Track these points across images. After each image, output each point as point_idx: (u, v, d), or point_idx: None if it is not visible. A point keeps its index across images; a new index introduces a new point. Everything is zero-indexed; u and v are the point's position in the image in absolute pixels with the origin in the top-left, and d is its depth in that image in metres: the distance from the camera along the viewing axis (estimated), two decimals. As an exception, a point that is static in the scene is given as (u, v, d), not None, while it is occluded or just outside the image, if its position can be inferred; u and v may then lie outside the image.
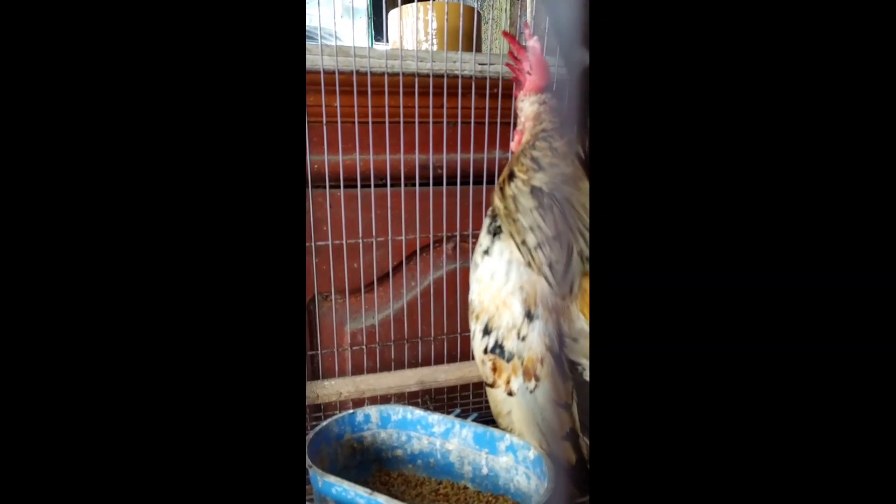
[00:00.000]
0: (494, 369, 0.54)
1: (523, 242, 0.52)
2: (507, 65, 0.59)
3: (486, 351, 0.54)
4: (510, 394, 0.53)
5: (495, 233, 0.56)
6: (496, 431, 0.54)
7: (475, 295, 0.55)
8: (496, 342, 0.54)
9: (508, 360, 0.53)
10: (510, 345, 0.53)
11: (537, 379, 0.52)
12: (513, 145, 0.60)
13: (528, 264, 0.52)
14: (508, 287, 0.53)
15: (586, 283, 0.50)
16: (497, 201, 0.56)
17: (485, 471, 0.56)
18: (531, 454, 0.51)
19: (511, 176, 0.56)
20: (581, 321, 0.50)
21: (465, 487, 0.57)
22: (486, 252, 0.55)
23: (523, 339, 0.52)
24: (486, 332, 0.54)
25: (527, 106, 0.57)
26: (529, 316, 0.52)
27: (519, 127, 0.59)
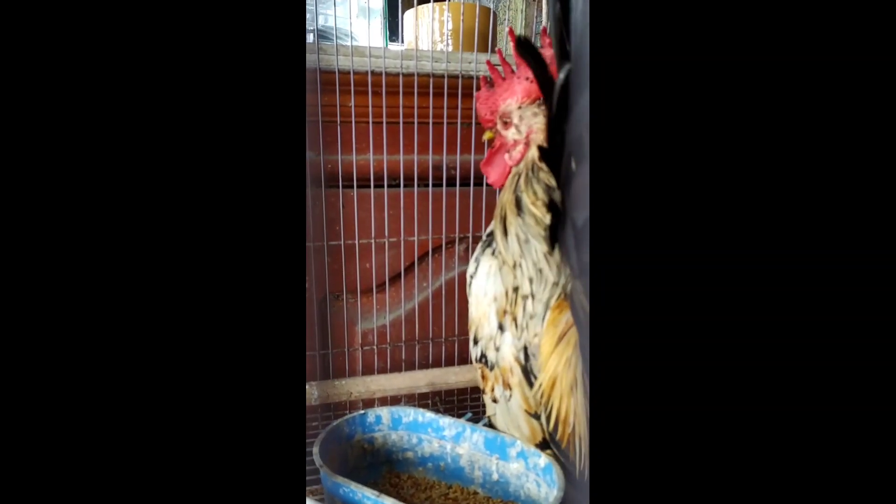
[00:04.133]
0: (483, 377, 0.55)
1: (515, 289, 0.51)
2: (488, 62, 0.55)
3: (476, 360, 0.55)
4: (494, 400, 0.54)
5: (478, 259, 0.55)
6: (507, 437, 0.54)
7: (470, 306, 0.56)
8: (481, 352, 0.54)
9: (491, 369, 0.53)
10: (490, 355, 0.53)
11: (510, 388, 0.52)
12: (509, 159, 0.53)
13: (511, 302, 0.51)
14: (487, 299, 0.53)
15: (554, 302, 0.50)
16: (498, 236, 0.52)
17: (495, 476, 0.55)
18: (542, 461, 0.51)
19: (518, 204, 0.50)
20: (538, 338, 0.50)
21: (476, 492, 0.56)
22: (473, 275, 0.55)
23: (497, 349, 0.52)
24: (475, 341, 0.55)
25: (528, 115, 0.52)
26: (501, 327, 0.52)
27: (518, 137, 0.53)
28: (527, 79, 0.52)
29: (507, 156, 0.54)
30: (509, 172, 0.54)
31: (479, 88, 0.55)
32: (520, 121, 0.52)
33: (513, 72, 0.53)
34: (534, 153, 0.51)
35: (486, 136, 0.56)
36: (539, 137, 0.51)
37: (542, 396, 0.49)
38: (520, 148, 0.53)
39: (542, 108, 0.52)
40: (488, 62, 0.55)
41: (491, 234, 0.55)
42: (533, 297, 0.50)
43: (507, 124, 0.53)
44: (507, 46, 0.68)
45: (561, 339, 0.47)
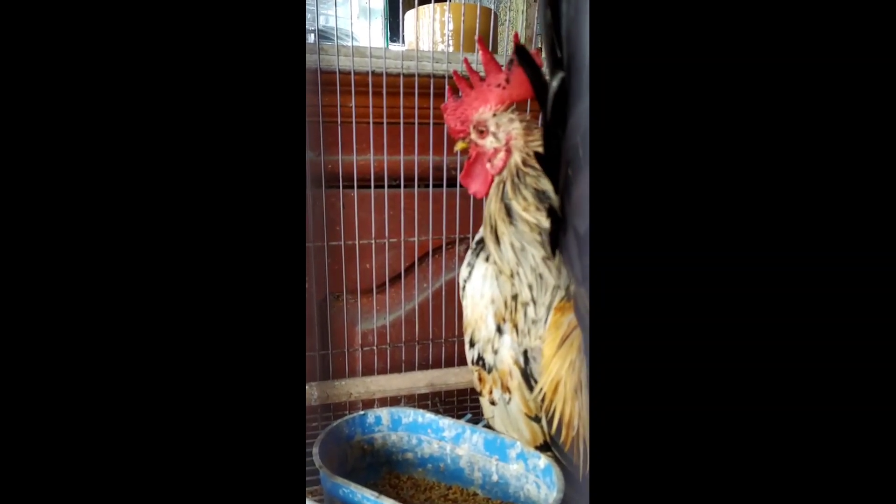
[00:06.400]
0: (480, 380, 0.55)
1: (514, 297, 0.51)
2: (455, 72, 0.54)
3: (473, 362, 0.55)
4: (492, 403, 0.54)
5: (471, 263, 0.55)
6: (507, 438, 0.54)
7: (465, 308, 0.56)
8: (478, 354, 0.54)
9: (489, 372, 0.53)
10: (488, 357, 0.53)
11: (509, 391, 0.52)
12: (490, 168, 0.52)
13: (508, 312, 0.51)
14: (484, 301, 0.53)
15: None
16: (490, 246, 0.51)
17: (495, 478, 0.55)
18: (541, 463, 0.50)
19: (508, 212, 0.50)
20: (538, 342, 0.49)
21: (475, 494, 0.56)
22: (467, 280, 0.55)
23: (496, 352, 0.52)
24: (472, 344, 0.55)
25: (505, 122, 0.51)
26: (499, 330, 0.52)
27: (497, 145, 0.52)
28: (498, 86, 0.51)
29: (488, 164, 0.53)
30: (492, 181, 0.53)
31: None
32: (497, 128, 0.52)
33: (481, 80, 0.52)
34: (517, 159, 0.51)
35: (459, 146, 0.55)
36: (519, 143, 0.51)
37: (543, 400, 0.49)
38: (501, 155, 0.52)
39: (517, 113, 0.52)
40: (455, 73, 0.55)
41: (480, 242, 0.54)
42: (535, 302, 0.49)
43: (483, 133, 0.52)
44: (500, 50, 0.68)
45: (563, 341, 0.47)
